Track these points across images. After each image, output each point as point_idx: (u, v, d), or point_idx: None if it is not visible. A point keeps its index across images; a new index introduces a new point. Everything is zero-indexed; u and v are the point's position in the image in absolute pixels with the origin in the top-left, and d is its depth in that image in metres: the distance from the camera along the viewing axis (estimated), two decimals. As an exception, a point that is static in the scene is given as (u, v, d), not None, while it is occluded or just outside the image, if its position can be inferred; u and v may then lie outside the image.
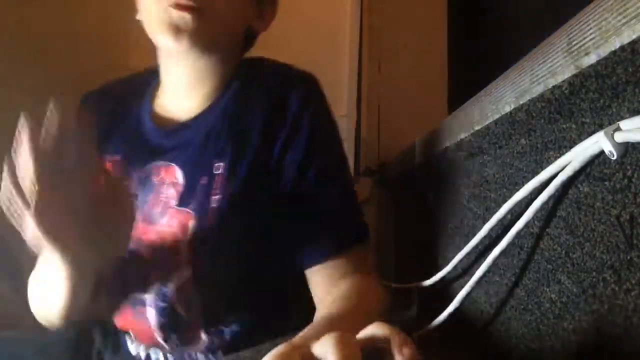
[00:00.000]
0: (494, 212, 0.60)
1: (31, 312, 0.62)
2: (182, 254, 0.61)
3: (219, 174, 0.62)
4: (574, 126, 0.48)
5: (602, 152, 0.41)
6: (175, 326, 0.63)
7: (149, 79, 0.74)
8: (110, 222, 0.51)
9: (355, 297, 0.57)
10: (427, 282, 0.84)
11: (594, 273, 0.44)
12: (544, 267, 0.53)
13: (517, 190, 0.55)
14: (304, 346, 0.32)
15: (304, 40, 1.44)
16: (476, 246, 0.68)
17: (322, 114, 0.68)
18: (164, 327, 0.63)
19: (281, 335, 0.48)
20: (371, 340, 0.33)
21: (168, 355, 0.66)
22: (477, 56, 1.56)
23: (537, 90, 0.50)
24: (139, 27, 0.65)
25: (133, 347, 0.69)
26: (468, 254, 0.70)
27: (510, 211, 0.58)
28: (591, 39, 0.40)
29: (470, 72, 1.47)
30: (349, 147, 1.42)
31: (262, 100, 0.66)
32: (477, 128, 0.67)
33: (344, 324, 0.49)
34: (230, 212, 0.61)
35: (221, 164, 0.63)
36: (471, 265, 0.72)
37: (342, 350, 0.30)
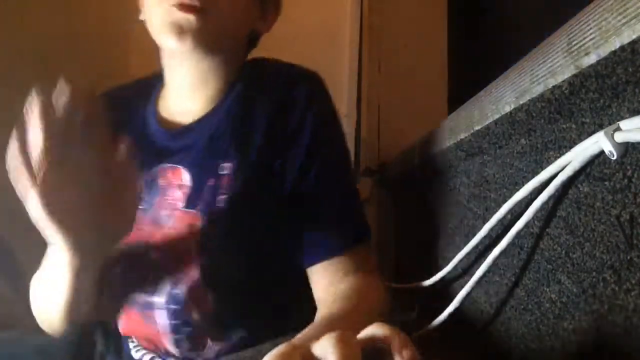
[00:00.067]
0: (494, 212, 0.60)
1: (32, 313, 0.62)
2: (190, 254, 0.61)
3: (224, 174, 0.63)
4: (574, 126, 0.48)
5: (602, 152, 0.41)
6: (187, 329, 0.62)
7: (155, 82, 0.74)
8: (115, 204, 0.51)
9: (356, 297, 0.58)
10: (427, 282, 0.84)
11: (594, 273, 0.44)
12: (544, 267, 0.53)
13: (517, 190, 0.55)
14: (304, 346, 0.32)
15: (304, 40, 1.44)
16: (476, 246, 0.68)
17: (325, 113, 0.68)
18: (176, 330, 0.62)
19: (281, 335, 0.48)
20: (371, 341, 0.33)
21: None
22: (477, 56, 1.56)
23: (537, 90, 0.50)
24: (139, 27, 0.65)
25: (135, 353, 0.68)
26: (468, 254, 0.70)
27: (510, 211, 0.58)
28: (591, 39, 0.40)
29: (470, 72, 1.46)
30: (349, 147, 1.42)
31: (265, 101, 0.66)
32: (477, 128, 0.67)
33: (344, 323, 0.49)
34: (236, 212, 0.61)
35: (227, 164, 0.63)
36: (471, 265, 0.72)
37: (342, 350, 0.30)
